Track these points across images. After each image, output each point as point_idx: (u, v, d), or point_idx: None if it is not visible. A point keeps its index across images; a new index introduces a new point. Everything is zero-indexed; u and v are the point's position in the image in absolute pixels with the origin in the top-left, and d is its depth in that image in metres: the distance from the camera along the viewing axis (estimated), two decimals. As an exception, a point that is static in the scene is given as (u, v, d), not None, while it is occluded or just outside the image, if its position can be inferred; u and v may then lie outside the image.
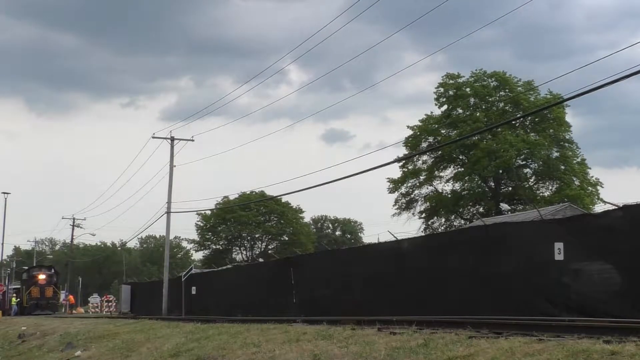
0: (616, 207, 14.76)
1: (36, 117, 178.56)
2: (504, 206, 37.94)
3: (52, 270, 57.65)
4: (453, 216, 51.64)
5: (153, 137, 39.73)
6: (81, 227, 72.01)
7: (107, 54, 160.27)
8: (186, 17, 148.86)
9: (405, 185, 52.59)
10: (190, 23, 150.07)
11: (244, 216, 74.28)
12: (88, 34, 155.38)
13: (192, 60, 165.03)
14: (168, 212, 38.72)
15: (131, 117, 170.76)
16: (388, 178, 53.13)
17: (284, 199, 74.18)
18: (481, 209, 49.39)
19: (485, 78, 49.30)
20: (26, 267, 65.57)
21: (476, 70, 50.26)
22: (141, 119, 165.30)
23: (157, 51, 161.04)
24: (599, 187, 47.88)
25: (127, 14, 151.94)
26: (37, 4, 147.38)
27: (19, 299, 54.83)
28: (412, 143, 50.15)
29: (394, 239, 21.37)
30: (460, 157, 49.96)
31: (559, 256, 15.24)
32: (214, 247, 79.15)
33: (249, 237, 78.77)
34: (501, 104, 48.47)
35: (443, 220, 52.21)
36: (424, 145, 50.35)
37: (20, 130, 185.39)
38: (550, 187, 48.56)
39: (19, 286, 58.97)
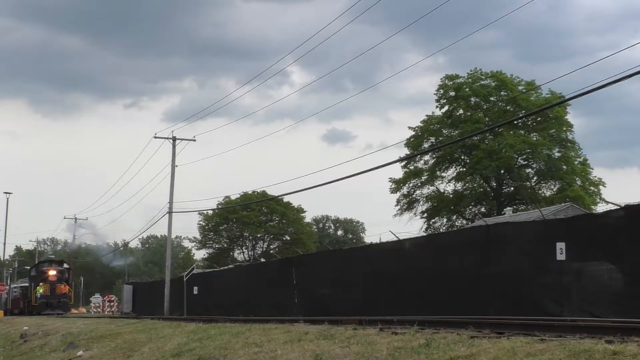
0: (618, 207, 14.77)
1: (41, 118, 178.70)
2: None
3: (64, 266, 51.92)
4: (455, 216, 51.66)
5: (155, 137, 39.76)
6: (83, 227, 72.06)
7: (111, 55, 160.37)
8: (189, 18, 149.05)
9: (407, 185, 52.59)
10: (193, 25, 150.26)
11: (246, 216, 74.34)
12: (92, 36, 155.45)
13: (195, 62, 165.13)
14: (170, 212, 38.75)
15: (134, 118, 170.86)
16: (390, 178, 53.19)
17: (286, 199, 74.32)
18: (483, 209, 49.40)
19: (483, 78, 49.30)
20: (28, 267, 63.45)
21: (471, 70, 50.36)
22: (144, 119, 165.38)
23: (160, 53, 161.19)
24: (600, 187, 47.92)
25: (131, 15, 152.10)
26: (42, 6, 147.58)
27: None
28: (413, 143, 50.18)
29: (395, 238, 21.40)
30: (462, 158, 49.93)
31: (560, 256, 15.25)
32: (216, 246, 79.23)
33: (250, 237, 78.79)
34: (501, 104, 48.42)
35: (445, 220, 52.22)
36: (426, 145, 50.35)
37: (23, 130, 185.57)
38: (552, 187, 48.56)
39: (27, 284, 53.23)
